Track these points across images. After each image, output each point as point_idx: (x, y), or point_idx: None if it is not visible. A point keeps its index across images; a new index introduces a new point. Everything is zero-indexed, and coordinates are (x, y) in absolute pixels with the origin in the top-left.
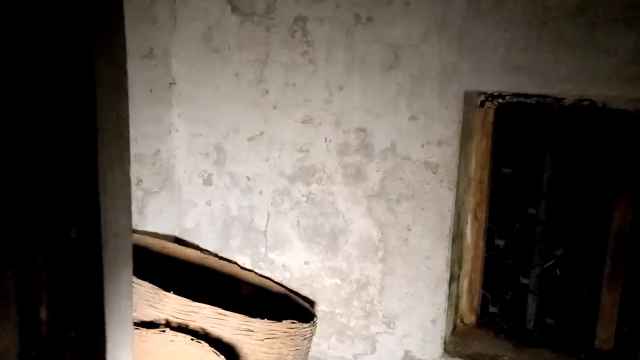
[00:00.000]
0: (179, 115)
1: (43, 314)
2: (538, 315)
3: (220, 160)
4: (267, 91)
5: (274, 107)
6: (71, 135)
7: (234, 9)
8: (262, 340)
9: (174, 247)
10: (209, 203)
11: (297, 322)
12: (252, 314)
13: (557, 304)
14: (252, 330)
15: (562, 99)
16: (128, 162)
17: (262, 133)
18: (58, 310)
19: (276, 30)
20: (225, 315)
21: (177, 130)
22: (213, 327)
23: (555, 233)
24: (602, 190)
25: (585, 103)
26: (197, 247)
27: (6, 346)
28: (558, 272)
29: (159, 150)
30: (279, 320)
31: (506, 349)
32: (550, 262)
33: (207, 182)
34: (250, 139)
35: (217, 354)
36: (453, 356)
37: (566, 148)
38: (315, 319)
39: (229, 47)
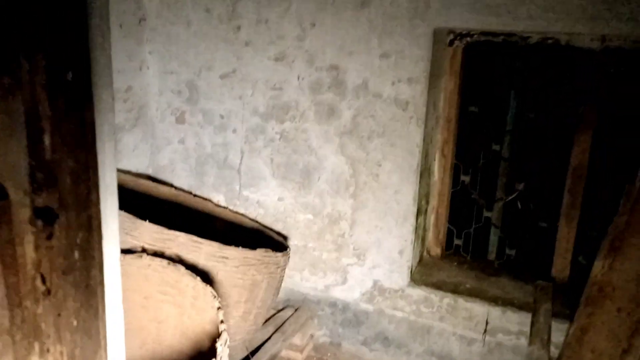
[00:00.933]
0: (150, 52)
1: (47, 141)
2: (500, 247)
3: (193, 98)
4: (239, 28)
5: (247, 44)
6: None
7: None
8: (237, 267)
9: (147, 184)
10: (182, 141)
11: (270, 250)
12: (227, 244)
13: (517, 236)
14: (227, 258)
15: (528, 37)
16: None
17: (235, 70)
18: (59, 139)
19: None
20: (200, 242)
21: (148, 67)
22: (188, 254)
23: (518, 169)
24: (563, 128)
25: (549, 41)
26: (170, 185)
27: (16, 162)
28: (519, 206)
29: (130, 87)
30: (254, 249)
31: (468, 277)
32: (512, 196)
33: (180, 119)
34: (223, 77)
35: (193, 276)
36: (419, 284)
37: (531, 87)
38: (288, 249)
39: None
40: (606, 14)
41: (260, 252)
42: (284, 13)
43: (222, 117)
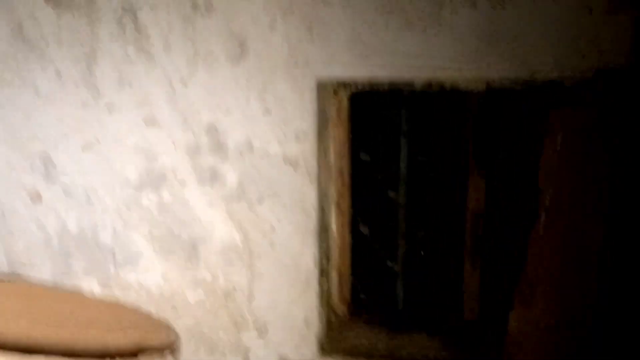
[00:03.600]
0: None
1: None
2: (406, 297)
3: (49, 173)
4: (98, 91)
5: (109, 109)
6: None
7: (48, 0)
8: None
9: None
10: (40, 224)
11: (155, 352)
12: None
13: (423, 283)
14: None
15: (412, 83)
16: None
17: (98, 139)
18: None
19: (102, 23)
20: None
21: None
22: None
23: (416, 215)
24: (456, 171)
25: (433, 86)
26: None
27: None
28: (422, 253)
29: None
30: (135, 355)
31: (380, 335)
32: (413, 244)
33: (36, 199)
34: (84, 147)
35: None
36: (330, 354)
37: (421, 132)
38: (175, 341)
39: (48, 43)
40: (488, 56)
41: None
42: (150, 72)
43: (87, 192)
